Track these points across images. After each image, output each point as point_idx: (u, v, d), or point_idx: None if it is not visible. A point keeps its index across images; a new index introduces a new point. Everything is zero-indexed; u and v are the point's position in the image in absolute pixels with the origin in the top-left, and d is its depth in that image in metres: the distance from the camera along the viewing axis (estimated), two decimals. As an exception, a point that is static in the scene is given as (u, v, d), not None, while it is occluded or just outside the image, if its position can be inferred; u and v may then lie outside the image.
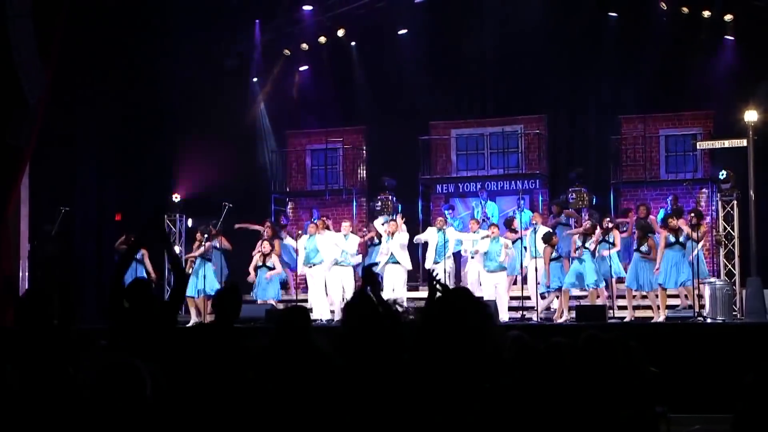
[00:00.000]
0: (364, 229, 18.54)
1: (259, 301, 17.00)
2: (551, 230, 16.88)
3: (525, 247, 16.86)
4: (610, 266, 16.19)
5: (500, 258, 16.46)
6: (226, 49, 20.38)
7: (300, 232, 18.01)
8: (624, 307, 16.04)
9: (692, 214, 15.74)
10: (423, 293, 17.22)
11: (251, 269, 17.38)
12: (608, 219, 16.58)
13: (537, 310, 16.14)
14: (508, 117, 20.69)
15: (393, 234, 16.90)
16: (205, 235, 17.47)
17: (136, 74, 18.39)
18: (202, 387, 5.50)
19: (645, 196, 19.61)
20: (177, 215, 19.50)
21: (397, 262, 16.79)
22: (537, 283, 16.22)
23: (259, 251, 17.35)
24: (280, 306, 16.62)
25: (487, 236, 16.61)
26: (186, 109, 19.13)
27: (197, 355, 5.91)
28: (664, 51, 19.05)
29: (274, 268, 17.28)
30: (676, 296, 16.23)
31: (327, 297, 17.02)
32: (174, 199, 19.45)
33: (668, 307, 15.71)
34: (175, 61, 18.63)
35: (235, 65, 20.52)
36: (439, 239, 17.06)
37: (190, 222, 19.27)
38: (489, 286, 16.43)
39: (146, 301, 6.45)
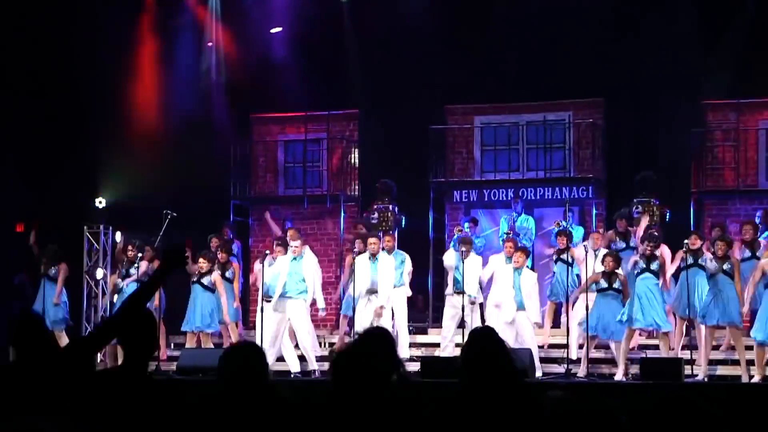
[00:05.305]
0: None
1: (188, 334, 15.66)
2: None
3: (577, 275, 15.52)
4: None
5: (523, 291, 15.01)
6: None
7: (267, 252, 16.09)
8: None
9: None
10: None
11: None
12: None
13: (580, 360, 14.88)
14: (552, 101, 18.90)
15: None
16: (139, 254, 16.38)
17: (49, 46, 17.50)
18: None
19: (738, 211, 17.86)
20: (101, 227, 17.88)
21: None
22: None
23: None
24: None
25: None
26: (112, 91, 17.97)
27: None
28: (763, 18, 17.29)
29: (213, 290, 15.53)
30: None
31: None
32: (97, 204, 18.22)
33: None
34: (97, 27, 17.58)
35: (179, 23, 19.18)
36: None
37: (118, 236, 17.54)
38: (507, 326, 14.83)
39: (38, 341, 5.68)
